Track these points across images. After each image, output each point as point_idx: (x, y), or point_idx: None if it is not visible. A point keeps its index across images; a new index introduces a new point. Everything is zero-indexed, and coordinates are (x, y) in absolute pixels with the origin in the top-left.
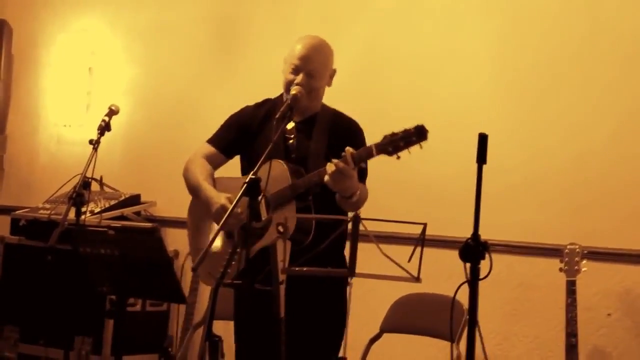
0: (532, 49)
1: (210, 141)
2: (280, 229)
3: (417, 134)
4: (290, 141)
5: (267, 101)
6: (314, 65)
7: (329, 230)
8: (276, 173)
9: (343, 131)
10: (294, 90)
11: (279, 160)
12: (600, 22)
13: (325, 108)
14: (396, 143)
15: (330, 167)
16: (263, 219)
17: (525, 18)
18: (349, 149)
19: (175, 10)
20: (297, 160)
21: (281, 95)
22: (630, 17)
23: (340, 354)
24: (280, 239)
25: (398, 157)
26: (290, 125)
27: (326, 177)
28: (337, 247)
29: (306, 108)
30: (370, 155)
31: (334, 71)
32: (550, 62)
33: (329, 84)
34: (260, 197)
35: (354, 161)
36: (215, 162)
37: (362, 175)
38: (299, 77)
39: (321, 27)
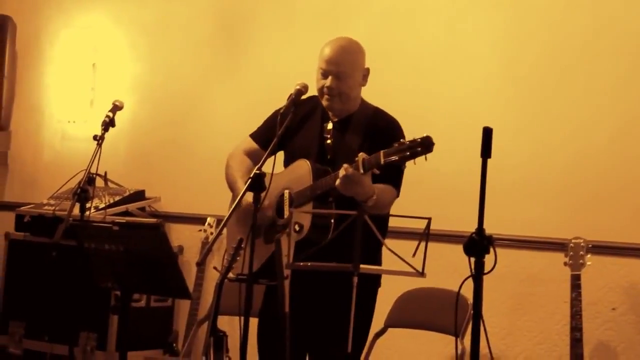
0: (537, 43)
1: (252, 136)
2: (296, 227)
3: (423, 146)
4: (328, 141)
5: (312, 98)
6: (342, 68)
7: (348, 229)
8: (300, 172)
9: (380, 129)
10: (298, 85)
11: (305, 160)
12: (607, 18)
13: (365, 106)
14: (403, 152)
15: (341, 172)
16: (286, 216)
17: (530, 13)
18: (361, 155)
19: (179, 5)
20: (332, 160)
21: None
22: (637, 15)
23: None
24: (285, 235)
25: (404, 167)
26: (329, 126)
27: (337, 182)
28: (371, 245)
29: (340, 111)
30: (378, 162)
31: (367, 70)
32: (556, 57)
33: (363, 84)
34: (265, 192)
35: (364, 167)
36: (256, 157)
37: (389, 178)
38: (328, 81)
39: (324, 21)
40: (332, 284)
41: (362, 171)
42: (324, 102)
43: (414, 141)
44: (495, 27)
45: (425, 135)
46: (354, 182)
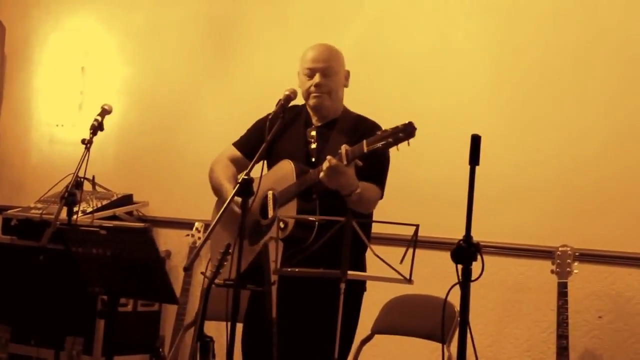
0: (528, 52)
1: (236, 144)
2: (281, 224)
3: (405, 131)
4: (312, 146)
5: (293, 107)
6: (327, 64)
7: (333, 233)
8: (284, 172)
9: (364, 131)
10: (287, 90)
11: (288, 160)
12: (600, 27)
13: (347, 112)
14: (385, 139)
15: (325, 164)
16: (270, 216)
17: (522, 21)
18: (344, 146)
19: (169, 10)
20: (317, 164)
21: (305, 104)
22: (630, 22)
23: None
24: (273, 241)
25: (387, 157)
26: (313, 132)
27: (321, 174)
28: (356, 250)
29: (328, 111)
30: (361, 151)
31: (348, 72)
32: (547, 65)
33: (346, 85)
34: (253, 197)
35: (347, 158)
36: (239, 166)
37: (373, 177)
38: (316, 78)
39: (315, 27)
40: (319, 290)
41: (345, 162)
42: (312, 101)
43: (396, 128)
44: (486, 34)
45: (407, 121)
46: (338, 173)
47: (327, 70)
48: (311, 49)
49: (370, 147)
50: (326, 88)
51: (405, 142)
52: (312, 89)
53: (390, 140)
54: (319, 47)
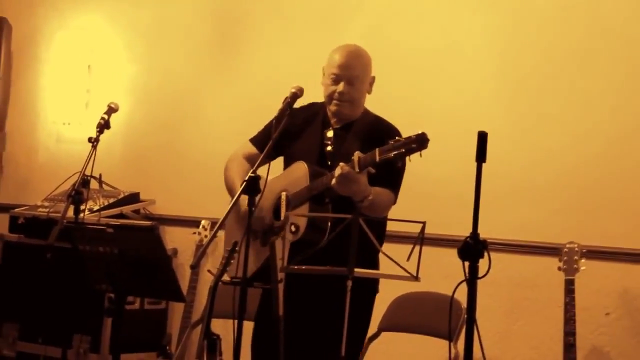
0: (533, 49)
1: (252, 140)
2: (292, 228)
3: (418, 142)
4: (328, 148)
5: (312, 105)
6: (354, 73)
7: (344, 231)
8: (298, 174)
9: (380, 136)
10: (293, 88)
11: (302, 162)
12: (605, 24)
13: (366, 114)
14: (398, 149)
15: (337, 171)
16: (282, 218)
17: (527, 18)
18: (357, 153)
19: (175, 7)
20: (331, 167)
21: (324, 102)
22: (637, 20)
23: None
24: (279, 239)
25: (402, 168)
26: (330, 133)
27: (333, 181)
28: (369, 249)
29: (348, 116)
30: (373, 159)
31: (373, 78)
32: (552, 62)
33: (369, 91)
34: (259, 195)
35: (359, 166)
36: (254, 162)
37: (387, 182)
38: (341, 86)
39: (320, 25)
40: (328, 288)
41: (357, 169)
42: (333, 108)
43: (408, 138)
44: (491, 31)
45: (420, 132)
46: (350, 180)
47: (353, 79)
48: (340, 52)
49: (383, 157)
50: (349, 97)
51: (417, 153)
52: (336, 95)
53: (402, 150)
54: (348, 51)
